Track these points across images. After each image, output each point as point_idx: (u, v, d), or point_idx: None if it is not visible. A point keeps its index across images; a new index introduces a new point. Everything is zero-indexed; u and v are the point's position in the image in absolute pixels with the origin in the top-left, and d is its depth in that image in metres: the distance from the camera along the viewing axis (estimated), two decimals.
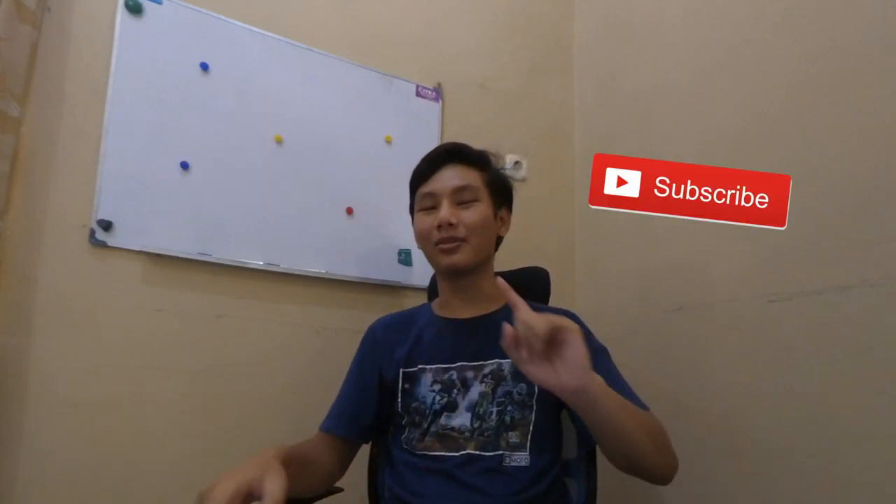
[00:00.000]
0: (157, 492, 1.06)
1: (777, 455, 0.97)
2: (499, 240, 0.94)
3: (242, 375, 1.17)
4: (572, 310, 0.93)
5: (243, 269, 1.19)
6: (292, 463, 0.71)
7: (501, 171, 0.95)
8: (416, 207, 0.92)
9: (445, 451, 0.81)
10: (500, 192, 0.93)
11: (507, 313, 0.88)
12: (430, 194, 0.88)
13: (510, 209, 0.96)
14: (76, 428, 1.01)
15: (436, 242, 0.86)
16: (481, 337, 0.86)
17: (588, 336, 0.86)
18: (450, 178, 0.88)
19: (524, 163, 1.59)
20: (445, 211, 0.85)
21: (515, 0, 1.68)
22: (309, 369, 1.22)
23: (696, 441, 1.13)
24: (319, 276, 1.26)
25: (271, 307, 1.22)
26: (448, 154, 0.90)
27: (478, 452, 0.80)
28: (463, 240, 0.85)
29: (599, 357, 0.84)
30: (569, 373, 0.59)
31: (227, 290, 1.18)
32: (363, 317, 1.30)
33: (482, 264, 0.90)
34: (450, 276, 0.90)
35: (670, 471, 0.72)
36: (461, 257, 0.85)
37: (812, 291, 0.93)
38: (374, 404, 0.89)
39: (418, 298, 1.33)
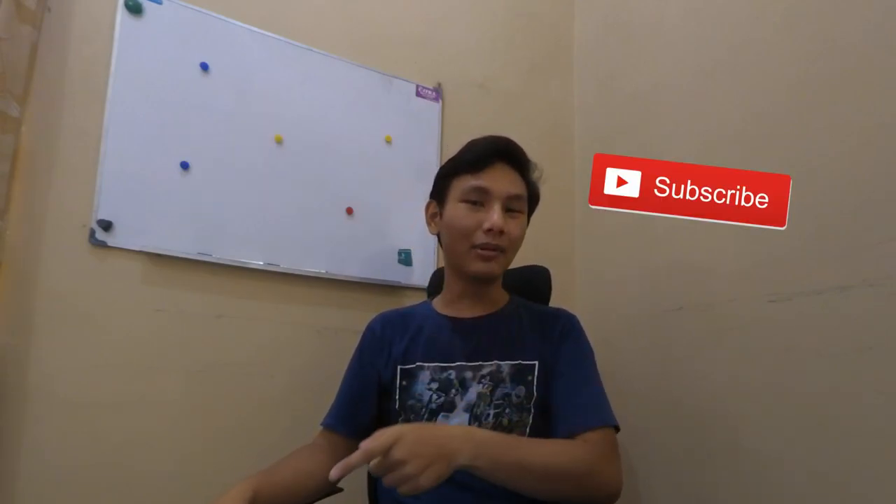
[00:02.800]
0: (158, 491, 1.06)
1: (777, 455, 0.97)
2: None
3: (242, 375, 1.17)
4: (572, 310, 0.93)
5: (243, 269, 1.19)
6: (266, 494, 0.73)
7: (537, 185, 0.92)
8: (453, 196, 0.86)
9: None
10: (533, 208, 0.92)
11: (506, 314, 0.90)
12: (483, 190, 0.83)
13: (528, 222, 0.93)
14: (76, 428, 1.01)
15: (476, 244, 0.82)
16: (480, 337, 0.86)
17: (577, 337, 0.88)
18: (506, 180, 0.84)
19: None
20: (499, 217, 0.81)
21: (515, 0, 1.68)
22: (309, 369, 1.22)
23: (696, 441, 1.13)
24: (319, 276, 1.26)
25: (271, 307, 1.22)
26: (504, 153, 0.85)
27: None
28: (503, 251, 0.83)
29: (575, 361, 0.84)
30: (422, 476, 0.60)
31: (227, 290, 1.17)
32: (363, 317, 1.29)
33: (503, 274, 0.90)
34: (472, 281, 0.88)
35: (603, 499, 0.72)
36: (496, 267, 0.83)
37: (812, 291, 0.93)
38: (372, 402, 0.89)
39: (418, 298, 1.33)
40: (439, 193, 0.90)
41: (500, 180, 0.83)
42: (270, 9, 1.29)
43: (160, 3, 1.15)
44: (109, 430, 1.03)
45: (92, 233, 1.05)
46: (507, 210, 0.84)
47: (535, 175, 0.91)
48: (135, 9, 1.12)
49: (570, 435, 0.76)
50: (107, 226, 1.06)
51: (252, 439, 1.15)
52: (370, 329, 0.94)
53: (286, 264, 1.23)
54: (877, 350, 0.83)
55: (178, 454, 1.09)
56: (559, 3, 1.77)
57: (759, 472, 0.99)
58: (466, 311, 0.90)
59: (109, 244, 1.06)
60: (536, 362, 0.83)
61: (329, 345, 1.25)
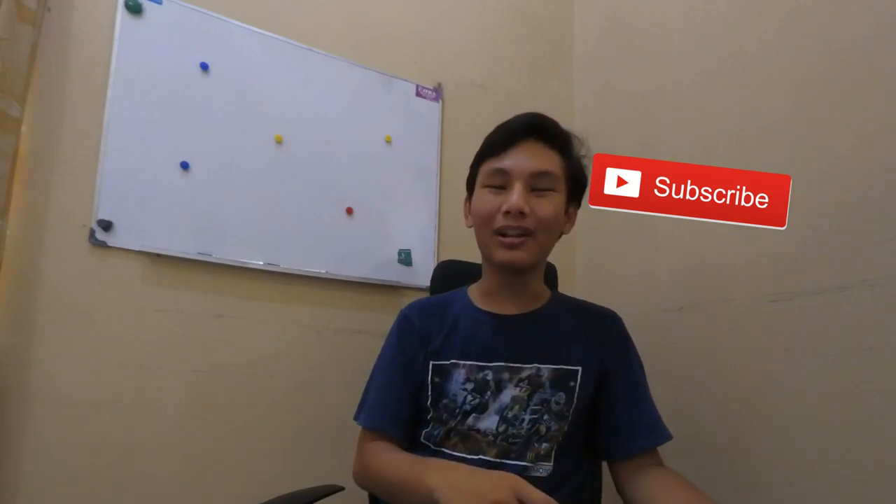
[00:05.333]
0: (158, 491, 1.06)
1: (777, 455, 0.97)
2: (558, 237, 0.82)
3: (242, 375, 1.17)
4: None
5: (243, 269, 1.19)
6: None
7: (582, 159, 0.82)
8: (479, 182, 0.80)
9: (466, 453, 0.75)
10: (577, 185, 0.81)
11: (548, 312, 0.84)
12: (503, 171, 0.76)
13: (579, 205, 0.83)
14: (77, 427, 1.01)
15: (498, 230, 0.75)
16: (521, 336, 0.80)
17: (631, 345, 0.85)
18: (529, 158, 0.76)
19: None
20: (518, 196, 0.73)
21: (515, 0, 1.68)
22: (309, 369, 1.22)
23: (696, 441, 1.13)
24: (319, 276, 1.26)
25: (271, 307, 1.22)
26: (530, 128, 0.78)
27: (497, 460, 0.74)
28: (531, 234, 0.75)
29: (640, 374, 0.82)
30: None
31: (227, 290, 1.18)
32: (363, 317, 1.30)
33: (540, 262, 0.82)
34: (502, 272, 0.81)
35: None
36: (524, 255, 0.75)
37: (812, 291, 0.93)
38: (415, 400, 0.80)
39: None
40: (470, 184, 0.84)
41: (523, 158, 0.76)
42: (270, 9, 1.29)
43: (160, 3, 1.15)
44: (110, 430, 1.03)
45: (92, 233, 1.05)
46: (534, 189, 0.75)
47: (580, 151, 0.82)
48: (135, 9, 1.12)
49: (646, 450, 0.77)
50: (107, 226, 1.06)
51: (252, 439, 1.15)
52: (407, 320, 0.84)
53: (286, 264, 1.23)
54: (877, 350, 0.83)
55: (178, 453, 1.09)
56: (559, 3, 1.77)
57: (758, 472, 0.99)
58: (506, 306, 0.82)
59: (109, 244, 1.06)
60: (580, 368, 0.77)
61: (329, 345, 1.25)
